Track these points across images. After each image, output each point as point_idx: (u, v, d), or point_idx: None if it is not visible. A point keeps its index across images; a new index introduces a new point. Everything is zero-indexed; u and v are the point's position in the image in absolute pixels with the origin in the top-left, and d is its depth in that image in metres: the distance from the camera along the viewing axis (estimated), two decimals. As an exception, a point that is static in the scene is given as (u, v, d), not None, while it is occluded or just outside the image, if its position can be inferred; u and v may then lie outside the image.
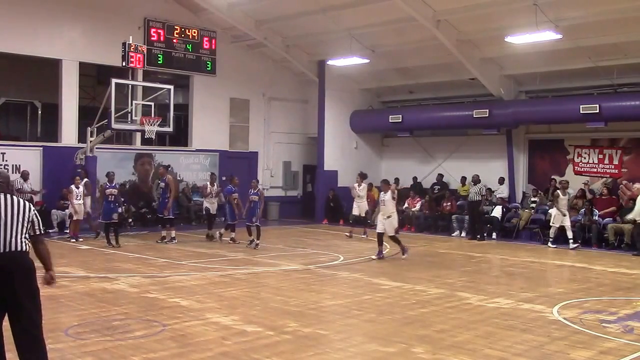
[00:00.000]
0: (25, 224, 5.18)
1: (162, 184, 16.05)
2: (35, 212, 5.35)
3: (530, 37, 16.00)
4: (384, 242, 13.69)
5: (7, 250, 5.07)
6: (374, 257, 13.50)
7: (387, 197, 13.52)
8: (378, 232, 13.64)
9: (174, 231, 15.79)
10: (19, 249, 5.11)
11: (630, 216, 15.11)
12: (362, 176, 17.90)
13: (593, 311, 8.63)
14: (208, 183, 17.30)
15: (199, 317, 7.94)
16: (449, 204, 19.62)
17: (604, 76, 17.72)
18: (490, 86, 19.35)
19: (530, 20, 15.54)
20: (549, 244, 16.11)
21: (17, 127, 22.76)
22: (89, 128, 17.27)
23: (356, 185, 17.70)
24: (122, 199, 16.48)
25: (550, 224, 16.23)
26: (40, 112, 22.31)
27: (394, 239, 13.62)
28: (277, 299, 9.15)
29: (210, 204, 16.79)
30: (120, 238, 14.84)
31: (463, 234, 18.49)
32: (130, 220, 18.94)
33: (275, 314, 8.17)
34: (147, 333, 7.15)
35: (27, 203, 5.32)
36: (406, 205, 20.47)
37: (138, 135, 19.31)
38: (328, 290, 10.15)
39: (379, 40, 19.71)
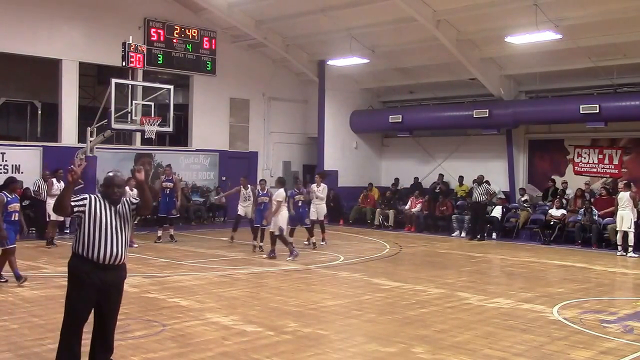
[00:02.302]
0: None
1: (170, 184, 15.97)
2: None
3: (530, 37, 16.01)
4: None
5: None
6: (289, 258, 13.00)
7: (274, 196, 13.50)
8: (270, 232, 13.42)
9: (172, 230, 15.95)
10: None
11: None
12: (323, 176, 16.48)
13: (593, 311, 8.63)
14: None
15: (199, 317, 7.94)
16: (444, 207, 19.55)
17: (604, 76, 17.74)
18: (490, 86, 19.35)
19: (530, 20, 15.55)
20: (628, 253, 14.55)
21: (17, 127, 22.77)
22: (89, 128, 17.24)
23: (314, 185, 15.93)
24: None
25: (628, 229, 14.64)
26: (40, 112, 22.32)
27: (272, 237, 13.22)
28: (277, 299, 9.15)
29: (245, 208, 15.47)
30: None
31: (463, 234, 18.48)
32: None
33: (275, 314, 8.17)
34: (147, 333, 7.15)
35: None
36: (408, 205, 20.42)
37: (138, 135, 19.29)
38: (328, 290, 10.15)
39: (379, 40, 19.71)
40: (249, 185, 15.64)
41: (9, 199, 9.92)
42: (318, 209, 15.65)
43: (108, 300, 5.25)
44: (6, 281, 9.88)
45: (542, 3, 15.25)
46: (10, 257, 9.86)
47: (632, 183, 15.91)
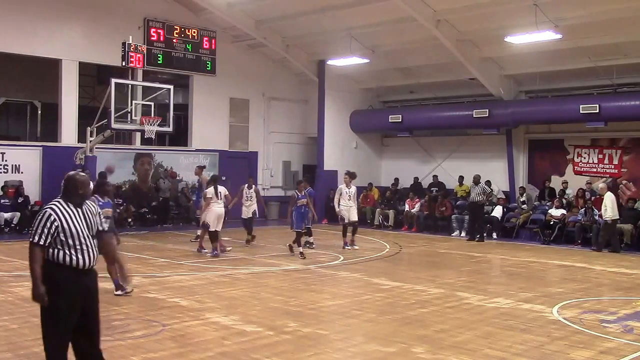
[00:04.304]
0: None
1: (196, 184, 16.37)
2: (39, 213, 5.00)
3: (530, 37, 16.02)
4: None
5: None
6: (208, 253, 13.47)
7: (202, 193, 13.91)
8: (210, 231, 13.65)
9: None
10: None
11: (606, 215, 15.30)
12: (352, 176, 15.60)
13: (593, 311, 8.63)
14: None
15: (199, 317, 7.94)
16: (443, 208, 19.57)
17: (604, 76, 17.74)
18: (490, 86, 19.35)
19: (530, 20, 15.55)
20: None
21: (17, 127, 22.79)
22: (88, 128, 17.26)
23: (343, 186, 15.42)
24: (121, 200, 16.32)
25: None
26: (40, 112, 22.32)
27: (211, 235, 13.53)
28: (277, 299, 9.15)
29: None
30: (120, 237, 14.74)
31: (463, 234, 18.48)
32: (130, 220, 18.95)
33: (275, 314, 8.17)
34: (146, 333, 7.15)
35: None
36: (406, 206, 20.43)
37: (138, 135, 19.32)
38: (328, 290, 10.15)
39: (379, 40, 19.70)
40: (253, 185, 15.66)
41: (100, 203, 8.85)
42: (351, 211, 15.22)
43: (92, 304, 5.12)
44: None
45: (542, 3, 15.25)
46: (110, 265, 9.14)
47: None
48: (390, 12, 17.53)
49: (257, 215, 15.96)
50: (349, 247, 15.08)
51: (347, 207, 15.19)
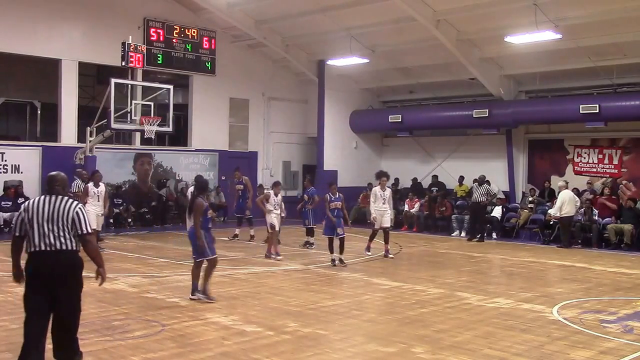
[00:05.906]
0: (67, 223, 5.26)
1: (241, 186, 16.65)
2: (79, 211, 5.33)
3: (530, 37, 16.02)
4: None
5: (49, 249, 5.26)
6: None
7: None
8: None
9: (252, 230, 16.32)
10: (61, 247, 5.26)
11: (552, 211, 16.12)
12: (387, 176, 14.41)
13: (593, 311, 8.63)
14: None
15: (199, 317, 7.94)
16: (443, 208, 19.59)
17: (604, 76, 17.73)
18: (490, 86, 19.35)
19: (530, 20, 15.55)
20: None
21: (17, 127, 22.76)
22: (88, 128, 17.26)
23: (377, 189, 14.02)
24: (121, 200, 16.29)
25: None
26: (39, 112, 22.30)
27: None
28: (277, 299, 9.15)
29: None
30: (120, 237, 14.78)
31: (463, 234, 18.47)
32: (129, 220, 18.95)
33: (275, 314, 8.17)
34: (146, 333, 7.15)
35: (72, 202, 5.37)
36: (405, 206, 20.44)
37: (137, 135, 19.31)
38: (328, 290, 10.14)
39: (379, 40, 19.70)
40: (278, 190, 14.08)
41: (206, 204, 9.05)
42: (385, 216, 13.92)
43: None
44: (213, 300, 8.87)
45: (542, 3, 15.25)
46: (211, 269, 9.00)
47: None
48: (390, 12, 17.53)
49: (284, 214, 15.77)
50: (373, 253, 14.12)
51: (381, 211, 13.87)
